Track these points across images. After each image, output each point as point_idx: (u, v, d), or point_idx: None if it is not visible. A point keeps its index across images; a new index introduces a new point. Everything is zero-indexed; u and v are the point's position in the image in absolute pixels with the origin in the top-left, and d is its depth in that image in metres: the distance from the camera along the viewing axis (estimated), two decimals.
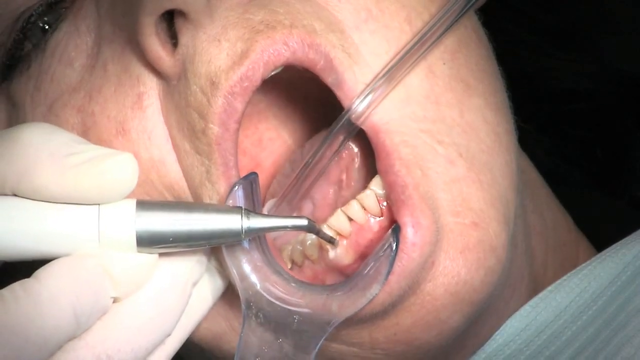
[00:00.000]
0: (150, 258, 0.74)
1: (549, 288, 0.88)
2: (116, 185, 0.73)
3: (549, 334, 0.87)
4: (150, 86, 0.79)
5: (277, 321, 0.75)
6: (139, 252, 0.74)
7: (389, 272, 0.75)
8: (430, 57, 0.80)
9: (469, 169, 0.79)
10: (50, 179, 0.73)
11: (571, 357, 0.85)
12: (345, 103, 0.79)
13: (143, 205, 0.74)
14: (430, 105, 0.80)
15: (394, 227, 0.76)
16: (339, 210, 0.80)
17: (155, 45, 0.76)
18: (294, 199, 0.83)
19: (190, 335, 0.79)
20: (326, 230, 0.79)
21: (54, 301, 0.71)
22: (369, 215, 0.80)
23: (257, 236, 0.76)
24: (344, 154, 0.84)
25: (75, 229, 0.73)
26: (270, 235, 0.80)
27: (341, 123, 0.79)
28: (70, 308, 0.71)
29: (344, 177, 0.85)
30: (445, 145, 0.79)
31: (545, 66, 1.12)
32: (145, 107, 0.79)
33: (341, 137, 0.80)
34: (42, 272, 0.72)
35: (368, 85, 0.78)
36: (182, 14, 0.76)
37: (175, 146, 0.79)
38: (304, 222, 0.76)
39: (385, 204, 0.79)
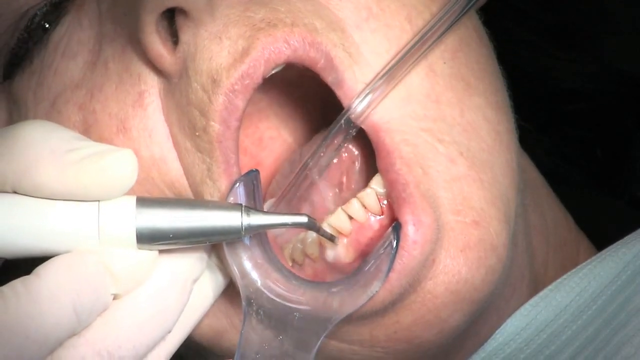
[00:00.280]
0: (150, 255, 0.74)
1: (549, 287, 0.88)
2: (116, 181, 0.73)
3: (549, 333, 0.87)
4: (151, 84, 0.79)
5: (278, 318, 0.75)
6: (139, 248, 0.74)
7: (389, 270, 0.75)
8: (431, 56, 0.80)
9: (469, 168, 0.79)
10: (50, 176, 0.73)
11: (571, 356, 0.85)
12: (345, 102, 0.79)
13: (143, 202, 0.74)
14: (431, 104, 0.80)
15: (394, 224, 0.76)
16: (339, 209, 0.80)
17: (157, 43, 0.76)
18: (293, 200, 0.83)
19: (191, 332, 0.79)
20: (326, 228, 0.79)
21: (55, 298, 0.71)
22: (369, 213, 0.80)
23: (258, 233, 0.76)
24: (344, 156, 0.84)
25: (75, 226, 0.73)
26: (271, 233, 0.80)
27: (341, 122, 0.79)
28: (70, 305, 0.71)
29: (344, 179, 0.85)
30: (445, 144, 0.79)
31: (545, 66, 1.12)
32: (146, 105, 0.79)
33: (341, 137, 0.80)
34: (42, 269, 0.72)
35: (368, 85, 0.78)
36: (183, 11, 0.76)
37: (176, 144, 0.79)
38: (304, 219, 0.76)
39: (385, 202, 0.79)
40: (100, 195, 0.73)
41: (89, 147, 0.74)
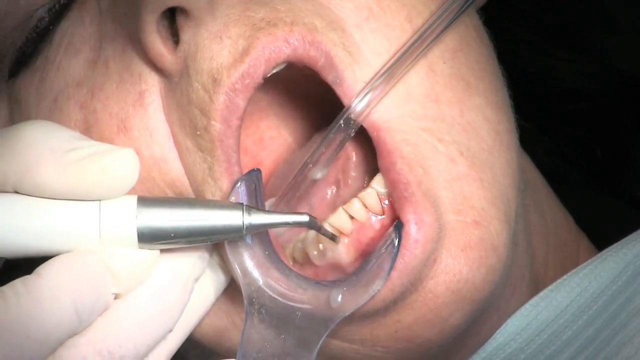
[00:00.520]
0: (151, 254, 0.74)
1: (550, 287, 0.88)
2: (117, 181, 0.73)
3: (549, 333, 0.87)
4: (152, 84, 0.79)
5: (280, 317, 0.75)
6: (140, 248, 0.74)
7: (391, 268, 0.75)
8: (431, 55, 0.80)
9: (469, 167, 0.79)
10: (51, 175, 0.73)
11: (571, 356, 0.85)
12: (344, 101, 0.79)
13: (144, 201, 0.74)
14: (431, 103, 0.80)
15: (396, 223, 0.76)
16: (340, 209, 0.80)
17: (157, 42, 0.76)
18: (292, 200, 0.83)
19: (192, 332, 0.79)
20: (327, 228, 0.79)
21: (55, 298, 0.71)
22: (370, 213, 0.80)
23: (259, 233, 0.76)
24: (343, 156, 0.84)
25: (76, 226, 0.73)
26: (273, 232, 0.80)
27: (340, 122, 0.79)
28: (71, 304, 0.71)
29: (340, 177, 0.85)
30: (445, 144, 0.79)
31: (545, 66, 1.12)
32: (147, 105, 0.79)
33: (340, 136, 0.80)
34: (43, 269, 0.72)
35: (368, 84, 0.78)
36: (183, 11, 0.76)
37: (177, 144, 0.79)
38: (305, 218, 0.76)
39: (386, 202, 0.79)
40: (101, 195, 0.73)
41: (89, 146, 0.74)
